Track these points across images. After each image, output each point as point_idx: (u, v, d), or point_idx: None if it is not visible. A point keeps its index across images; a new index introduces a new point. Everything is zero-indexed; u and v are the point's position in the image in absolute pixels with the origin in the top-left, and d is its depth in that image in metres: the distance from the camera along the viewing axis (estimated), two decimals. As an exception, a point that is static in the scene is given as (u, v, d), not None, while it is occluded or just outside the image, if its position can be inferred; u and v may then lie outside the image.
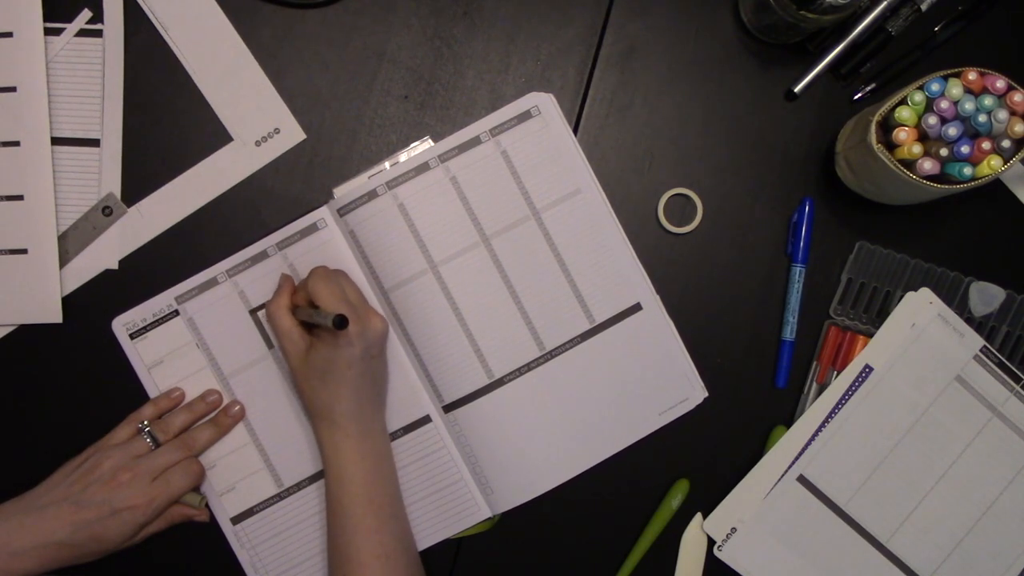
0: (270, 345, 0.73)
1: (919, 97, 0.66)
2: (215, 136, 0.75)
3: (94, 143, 0.75)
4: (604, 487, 0.75)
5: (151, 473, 0.69)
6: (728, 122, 0.76)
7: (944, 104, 0.66)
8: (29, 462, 0.72)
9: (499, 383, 0.74)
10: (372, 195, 0.73)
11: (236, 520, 0.74)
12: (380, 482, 0.69)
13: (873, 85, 0.76)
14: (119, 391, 0.73)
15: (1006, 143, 0.66)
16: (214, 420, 0.73)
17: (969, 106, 0.66)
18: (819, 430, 0.73)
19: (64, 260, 0.74)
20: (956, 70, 0.66)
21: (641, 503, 0.76)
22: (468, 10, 0.76)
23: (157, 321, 0.73)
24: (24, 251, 0.73)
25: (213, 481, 0.73)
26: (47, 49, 0.74)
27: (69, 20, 0.74)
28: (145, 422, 0.71)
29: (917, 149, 0.66)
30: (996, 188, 0.76)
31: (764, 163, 0.76)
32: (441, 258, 0.73)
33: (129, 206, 0.75)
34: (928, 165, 0.66)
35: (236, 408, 0.73)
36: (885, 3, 0.75)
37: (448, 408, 0.74)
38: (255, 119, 0.75)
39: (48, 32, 0.74)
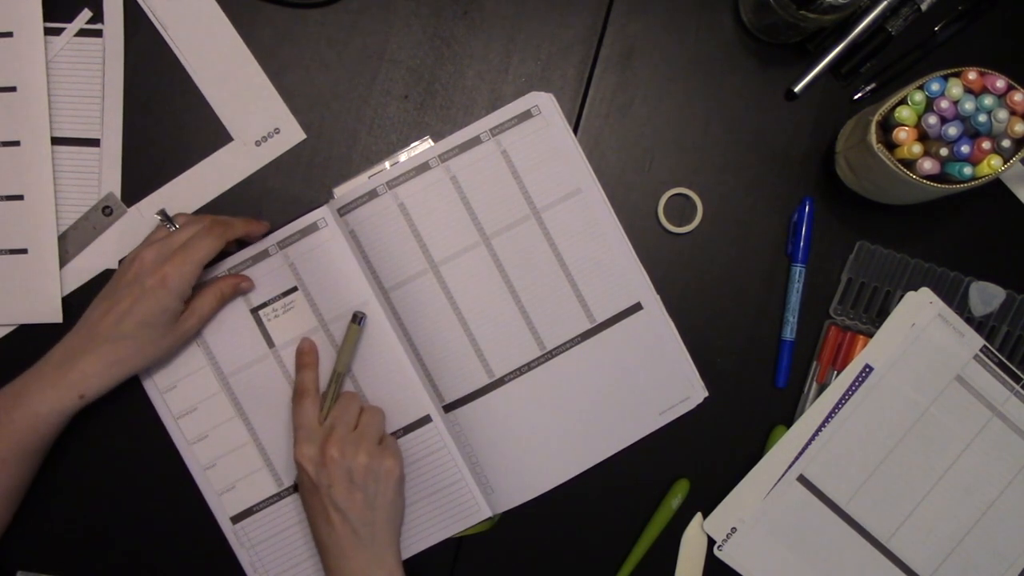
0: (270, 344, 0.73)
1: (919, 97, 0.66)
2: (215, 136, 0.75)
3: (94, 143, 0.75)
4: (604, 487, 0.75)
5: (174, 247, 0.67)
6: (728, 122, 0.76)
7: (944, 104, 0.66)
8: (29, 462, 0.72)
9: (499, 383, 0.74)
10: (372, 195, 0.73)
11: (236, 519, 0.73)
12: None
13: (873, 85, 0.76)
14: (119, 389, 0.73)
15: (1006, 143, 0.66)
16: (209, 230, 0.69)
17: (969, 106, 0.66)
18: (819, 430, 0.73)
19: (64, 260, 0.74)
20: (956, 70, 0.66)
21: (641, 503, 0.76)
22: (468, 10, 0.76)
23: (157, 321, 0.73)
24: (24, 251, 0.73)
25: (213, 480, 0.73)
26: (47, 49, 0.74)
27: (69, 20, 0.74)
28: (162, 213, 0.70)
29: (917, 149, 0.66)
30: (996, 188, 0.76)
31: (764, 163, 0.76)
32: (441, 258, 0.73)
33: (129, 206, 0.75)
34: (928, 165, 0.66)
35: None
36: (885, 3, 0.75)
37: (448, 408, 0.74)
38: (255, 119, 0.75)
39: (48, 32, 0.74)
